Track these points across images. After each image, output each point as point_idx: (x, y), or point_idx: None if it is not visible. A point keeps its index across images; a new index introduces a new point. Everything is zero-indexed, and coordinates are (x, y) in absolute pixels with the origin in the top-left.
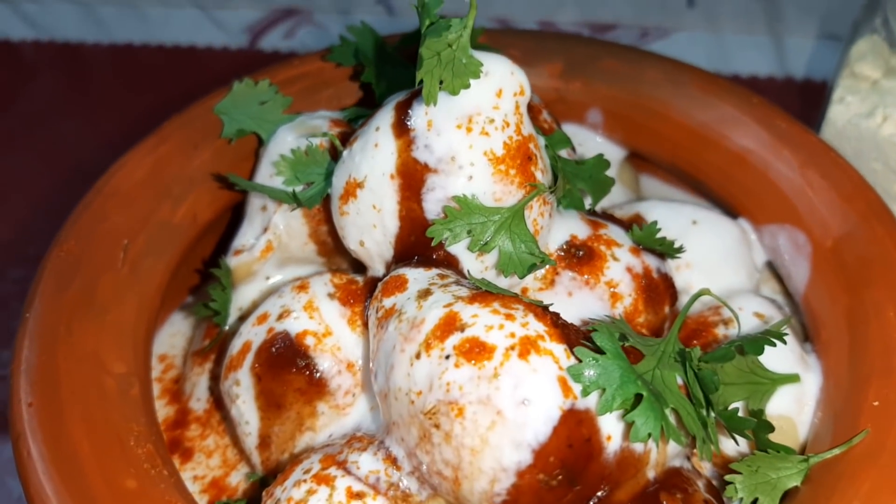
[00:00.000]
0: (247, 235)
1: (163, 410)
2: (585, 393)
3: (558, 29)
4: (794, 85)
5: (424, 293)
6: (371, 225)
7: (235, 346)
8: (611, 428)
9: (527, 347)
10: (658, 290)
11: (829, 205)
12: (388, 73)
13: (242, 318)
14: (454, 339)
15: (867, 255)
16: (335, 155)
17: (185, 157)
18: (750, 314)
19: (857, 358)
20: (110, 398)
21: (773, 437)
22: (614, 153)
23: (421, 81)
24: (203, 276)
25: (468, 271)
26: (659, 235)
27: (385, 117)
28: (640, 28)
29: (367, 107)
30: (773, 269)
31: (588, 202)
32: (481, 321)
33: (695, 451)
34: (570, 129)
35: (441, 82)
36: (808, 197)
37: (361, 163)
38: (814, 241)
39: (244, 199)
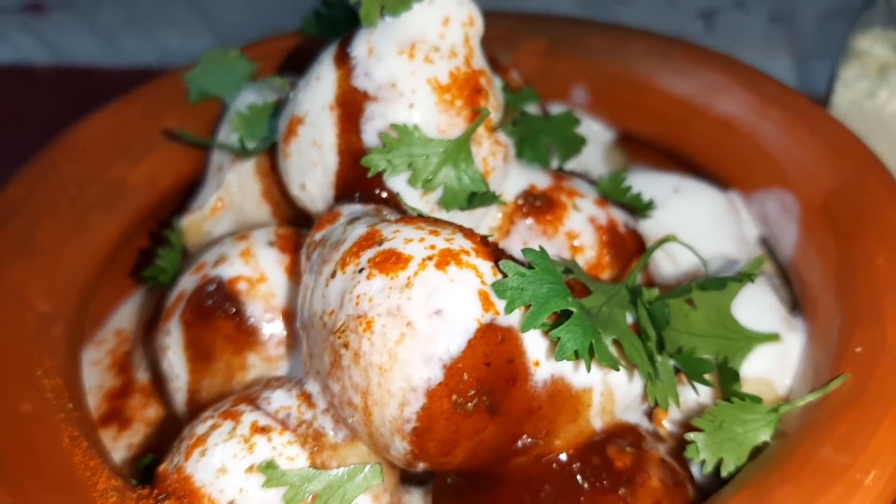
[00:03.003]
0: (202, 196)
1: (111, 381)
2: (509, 308)
3: None
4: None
5: (354, 220)
6: (312, 163)
7: (170, 297)
8: (539, 352)
9: (446, 259)
10: (625, 245)
11: (819, 161)
12: None
13: None
14: (370, 252)
15: (858, 206)
16: None
17: (148, 120)
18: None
19: (843, 308)
20: (26, 332)
21: None
22: (603, 135)
23: (358, 3)
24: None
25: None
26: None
27: (329, 50)
28: None
29: None
30: (767, 247)
31: (556, 164)
32: (402, 235)
33: (655, 408)
34: (556, 109)
35: (383, 8)
36: (797, 156)
37: (304, 98)
38: (802, 201)
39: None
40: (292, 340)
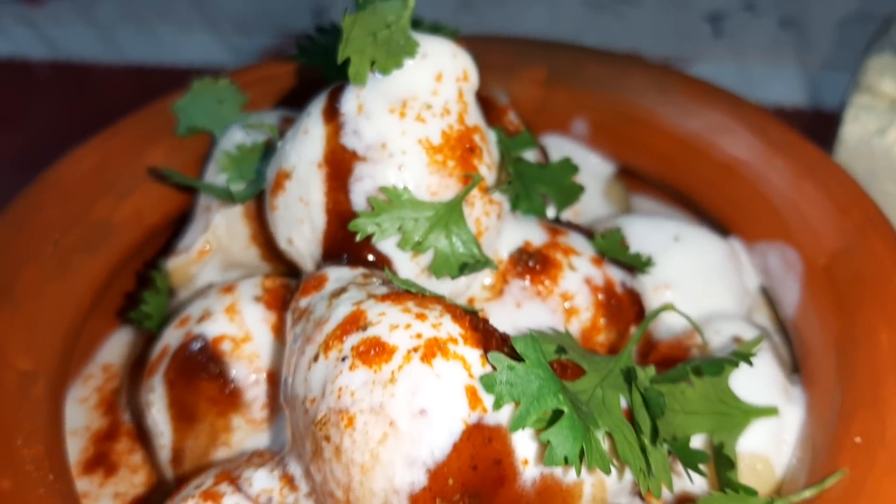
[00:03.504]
0: (190, 236)
1: (98, 422)
2: (497, 405)
3: None
4: (823, 118)
5: (339, 292)
6: (299, 220)
7: (155, 350)
8: (528, 450)
9: (433, 350)
10: (621, 305)
11: (823, 218)
12: None
13: None
14: (353, 338)
15: (861, 273)
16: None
17: (135, 153)
18: (728, 338)
19: (843, 388)
20: (5, 394)
21: (747, 478)
22: (603, 168)
23: (347, 60)
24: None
25: (394, 272)
26: (636, 251)
27: (317, 102)
28: (662, 58)
29: None
30: (768, 295)
31: (553, 211)
32: (387, 320)
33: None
34: (554, 141)
35: (373, 63)
36: (801, 210)
37: (291, 151)
38: (805, 259)
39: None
40: (277, 402)
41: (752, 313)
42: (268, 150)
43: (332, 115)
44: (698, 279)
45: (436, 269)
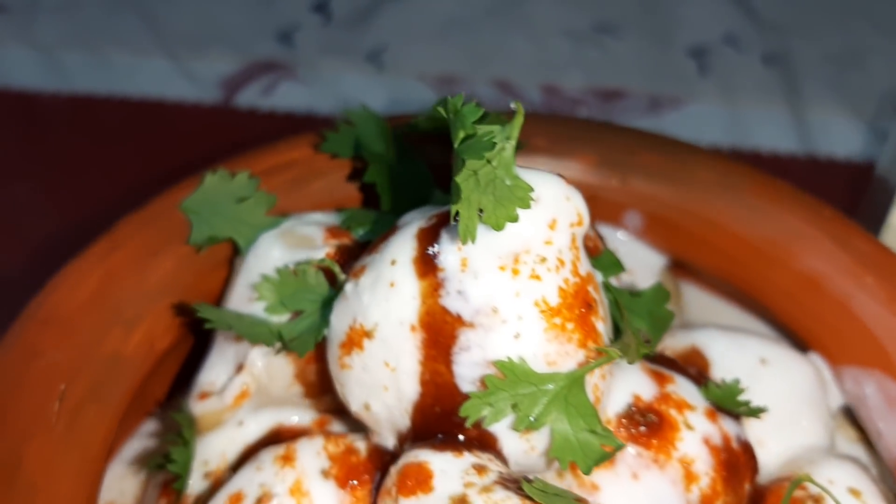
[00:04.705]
0: (216, 369)
1: None
2: None
3: (563, 95)
4: (817, 164)
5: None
6: (381, 386)
7: None
8: None
9: None
10: (738, 464)
11: None
12: (401, 175)
13: (209, 477)
14: None
15: None
16: (332, 278)
17: (141, 268)
18: (844, 490)
19: None
20: None
21: None
22: (653, 260)
23: (457, 214)
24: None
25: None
26: (720, 376)
27: (404, 248)
28: (650, 97)
29: (370, 207)
30: (847, 411)
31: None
32: None
33: None
34: (602, 231)
35: (481, 212)
36: None
37: (371, 305)
38: None
39: None
40: None
41: (834, 435)
42: (311, 277)
43: (428, 268)
44: (788, 407)
45: (559, 456)
